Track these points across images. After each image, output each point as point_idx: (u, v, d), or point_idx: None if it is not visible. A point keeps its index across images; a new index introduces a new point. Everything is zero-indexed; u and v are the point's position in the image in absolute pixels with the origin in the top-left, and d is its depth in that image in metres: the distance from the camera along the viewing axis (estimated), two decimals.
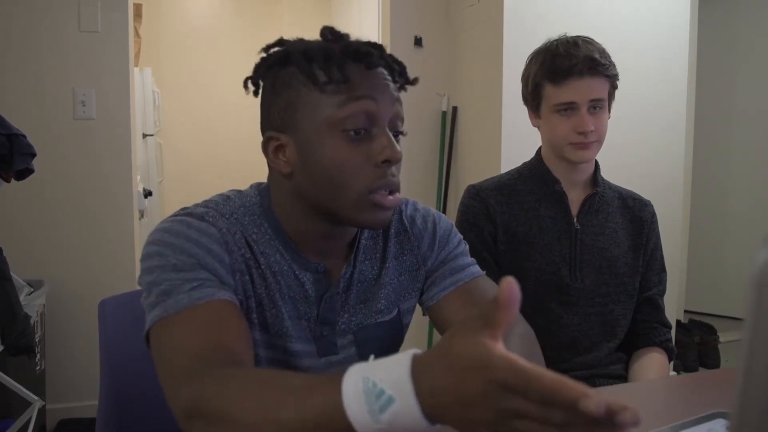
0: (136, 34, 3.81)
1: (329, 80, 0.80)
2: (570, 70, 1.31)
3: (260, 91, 0.89)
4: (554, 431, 0.47)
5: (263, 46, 0.89)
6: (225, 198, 0.89)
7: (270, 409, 0.59)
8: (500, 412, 0.49)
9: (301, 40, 0.87)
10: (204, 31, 5.07)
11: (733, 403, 0.34)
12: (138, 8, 3.92)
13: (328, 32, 0.86)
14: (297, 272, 0.89)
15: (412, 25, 2.94)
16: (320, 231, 0.88)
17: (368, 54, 0.82)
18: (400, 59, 0.88)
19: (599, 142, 1.37)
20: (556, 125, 1.37)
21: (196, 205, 0.87)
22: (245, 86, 0.89)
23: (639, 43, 2.68)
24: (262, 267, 0.86)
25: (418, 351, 0.54)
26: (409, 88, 0.89)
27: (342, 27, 0.88)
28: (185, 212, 0.85)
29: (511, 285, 0.49)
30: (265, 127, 0.88)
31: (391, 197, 0.83)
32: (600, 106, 1.35)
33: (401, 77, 0.87)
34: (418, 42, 2.95)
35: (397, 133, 0.85)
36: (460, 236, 1.03)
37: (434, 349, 0.52)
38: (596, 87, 1.33)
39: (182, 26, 5.02)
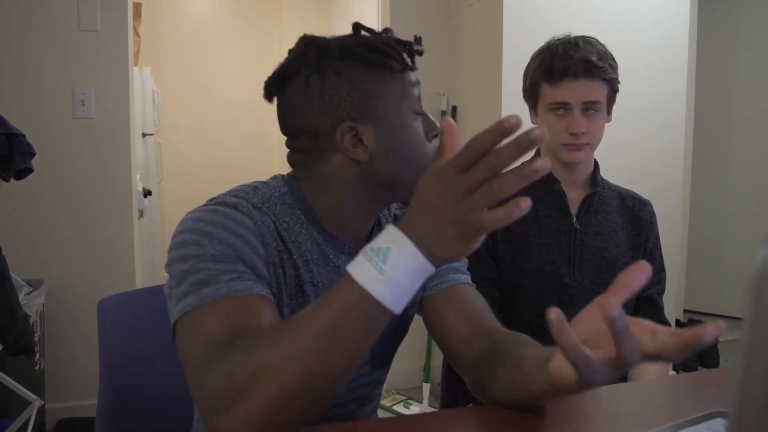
0: (136, 33, 3.81)
1: (404, 68, 0.89)
2: (565, 71, 1.32)
3: (302, 88, 0.88)
4: (498, 185, 0.57)
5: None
6: (253, 188, 0.90)
7: (298, 333, 0.65)
8: (457, 196, 0.59)
9: (335, 36, 0.91)
10: (203, 30, 5.06)
11: (732, 402, 0.34)
12: (137, 7, 3.91)
13: (361, 27, 0.93)
14: (331, 256, 0.91)
15: (411, 24, 2.94)
16: (359, 214, 0.93)
17: (412, 44, 0.92)
18: None
19: (591, 145, 1.37)
20: (550, 124, 1.37)
21: (226, 195, 0.87)
22: (307, 82, 0.88)
23: (639, 42, 2.68)
24: (294, 257, 0.87)
25: None
26: None
27: (341, 27, 0.90)
28: (217, 202, 0.85)
29: (447, 119, 0.67)
30: (327, 120, 0.87)
31: None
32: (595, 108, 1.34)
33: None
34: (417, 41, 2.94)
35: None
36: None
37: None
38: (591, 89, 1.33)
39: (182, 26, 5.02)
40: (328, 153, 0.89)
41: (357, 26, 0.92)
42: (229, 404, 0.64)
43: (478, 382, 0.90)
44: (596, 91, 1.34)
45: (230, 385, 0.64)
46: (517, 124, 0.57)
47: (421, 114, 0.92)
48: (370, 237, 0.97)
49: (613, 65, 1.36)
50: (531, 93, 1.40)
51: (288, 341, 0.65)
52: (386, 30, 0.93)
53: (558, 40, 1.38)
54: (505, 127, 0.56)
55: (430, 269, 0.62)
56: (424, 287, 1.01)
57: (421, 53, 0.93)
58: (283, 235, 0.87)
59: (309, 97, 0.87)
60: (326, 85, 0.87)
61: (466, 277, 1.03)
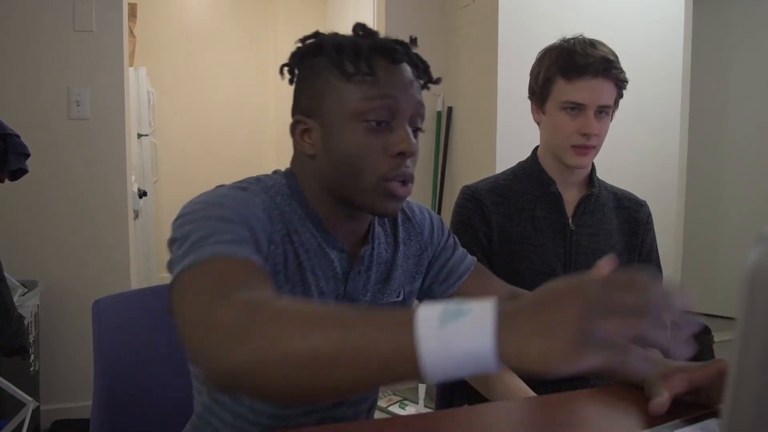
0: (131, 33, 3.80)
1: (356, 72, 0.85)
2: (586, 68, 1.30)
3: (295, 78, 0.94)
4: (636, 327, 0.49)
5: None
6: (256, 179, 0.92)
7: (324, 318, 0.58)
8: (588, 305, 0.49)
9: (335, 34, 0.91)
10: (199, 30, 5.05)
11: (726, 401, 0.34)
12: (133, 8, 3.91)
13: (360, 28, 0.90)
14: (327, 250, 0.92)
15: (407, 25, 2.94)
16: (343, 213, 0.93)
17: (393, 50, 0.86)
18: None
19: (597, 148, 1.37)
20: (560, 123, 1.35)
21: (232, 183, 0.90)
22: (281, 73, 0.94)
23: (634, 43, 2.69)
24: (295, 244, 0.89)
25: None
26: None
27: (337, 27, 0.90)
28: (224, 186, 0.88)
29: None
30: (294, 111, 0.93)
31: (403, 187, 0.88)
32: (606, 112, 1.34)
33: (425, 75, 0.92)
34: (413, 42, 2.95)
35: (416, 129, 0.90)
36: (447, 227, 1.12)
37: None
38: (606, 91, 1.32)
39: (177, 26, 5.01)
40: (295, 146, 0.93)
41: (356, 26, 0.92)
42: (236, 336, 0.60)
43: None
44: (610, 93, 1.33)
45: (243, 317, 0.60)
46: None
47: (381, 125, 0.86)
48: (365, 239, 0.98)
49: (622, 68, 1.36)
50: (543, 89, 1.37)
51: (312, 315, 0.59)
52: (370, 32, 0.90)
53: (572, 39, 1.36)
54: (680, 306, 0.50)
55: (489, 362, 0.52)
56: (434, 294, 1.07)
57: (402, 60, 0.87)
58: (286, 222, 0.89)
59: (294, 89, 0.94)
60: (298, 78, 0.93)
61: (470, 261, 1.10)
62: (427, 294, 1.08)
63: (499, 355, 0.51)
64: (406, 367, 0.53)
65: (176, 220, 0.80)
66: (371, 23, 3.10)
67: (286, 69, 0.94)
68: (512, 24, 2.52)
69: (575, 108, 1.32)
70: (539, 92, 1.39)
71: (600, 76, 1.31)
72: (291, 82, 0.94)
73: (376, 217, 1.00)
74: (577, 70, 1.31)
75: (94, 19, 2.46)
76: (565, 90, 1.33)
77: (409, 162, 0.88)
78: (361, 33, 0.90)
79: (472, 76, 2.80)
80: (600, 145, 1.37)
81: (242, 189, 0.86)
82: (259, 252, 0.79)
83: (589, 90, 1.31)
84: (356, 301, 0.96)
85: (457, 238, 1.12)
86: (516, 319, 0.51)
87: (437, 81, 0.93)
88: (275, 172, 0.96)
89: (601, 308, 0.49)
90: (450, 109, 2.95)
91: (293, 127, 0.92)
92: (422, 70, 0.91)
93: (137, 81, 3.88)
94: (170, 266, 0.76)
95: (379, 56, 0.86)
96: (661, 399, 0.83)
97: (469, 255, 1.11)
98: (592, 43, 1.34)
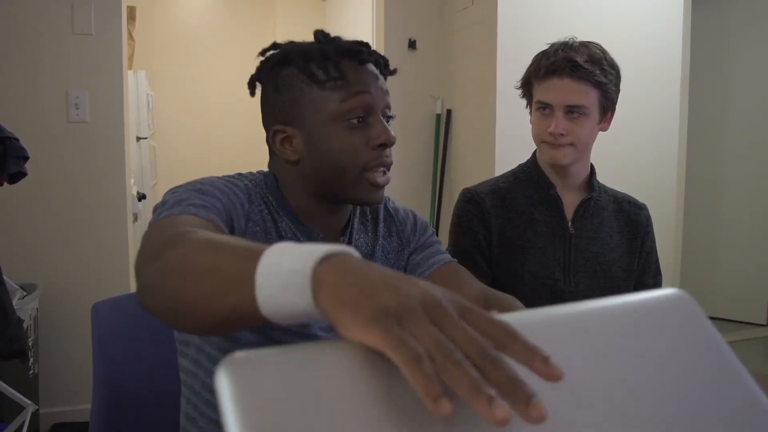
0: (130, 36, 3.80)
1: (328, 78, 0.91)
2: (549, 68, 1.33)
3: (261, 91, 0.99)
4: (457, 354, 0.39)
5: (259, 50, 0.98)
6: (238, 175, 0.98)
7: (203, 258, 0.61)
8: (408, 301, 0.41)
9: (294, 43, 0.97)
10: (198, 33, 5.06)
11: None
12: (132, 11, 3.91)
13: (321, 35, 0.96)
14: (302, 240, 0.97)
15: (406, 28, 2.94)
16: (323, 208, 0.99)
17: (359, 51, 0.93)
18: (391, 61, 1.00)
19: (575, 147, 1.35)
20: (534, 122, 1.40)
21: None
22: (250, 86, 0.99)
23: (633, 46, 2.69)
24: (272, 230, 0.95)
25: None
26: (403, 90, 1.00)
27: (336, 30, 0.96)
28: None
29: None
30: (269, 121, 0.98)
31: (384, 176, 0.95)
32: (580, 112, 1.33)
33: (386, 69, 0.99)
34: (412, 45, 2.95)
35: (387, 118, 0.97)
36: (433, 230, 1.15)
37: None
38: (575, 91, 1.32)
39: (176, 29, 5.01)
40: (273, 152, 0.98)
41: (317, 33, 0.97)
42: (154, 257, 0.67)
43: None
44: (581, 94, 1.32)
45: (165, 243, 0.67)
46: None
47: (360, 122, 0.92)
48: (345, 229, 1.03)
49: (606, 70, 1.34)
50: (525, 91, 1.43)
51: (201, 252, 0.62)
52: (334, 38, 0.95)
53: (559, 41, 1.38)
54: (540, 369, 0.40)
55: (305, 285, 0.46)
56: (415, 275, 1.06)
57: (369, 61, 0.93)
58: (269, 207, 0.96)
59: (262, 100, 0.98)
60: (269, 89, 0.96)
61: (449, 256, 1.09)
62: None
63: (317, 287, 0.46)
64: (244, 287, 0.51)
65: (162, 199, 0.87)
66: (370, 26, 3.10)
67: (248, 83, 0.99)
68: (511, 26, 2.52)
69: (546, 108, 1.36)
70: (524, 94, 1.44)
71: (566, 77, 1.32)
72: (252, 94, 0.99)
73: (358, 213, 1.05)
74: (543, 72, 1.35)
75: (93, 22, 2.46)
76: (538, 91, 1.37)
77: (388, 151, 0.95)
78: (322, 39, 0.95)
79: (470, 78, 2.80)
80: (578, 144, 1.35)
81: (227, 177, 0.94)
82: (227, 223, 0.85)
83: (554, 90, 1.33)
84: None
85: (441, 242, 1.12)
86: (331, 283, 0.45)
87: (394, 71, 0.99)
88: (254, 172, 1.02)
89: (420, 311, 0.41)
90: (449, 112, 2.95)
91: (272, 137, 0.96)
92: (383, 65, 0.98)
93: (136, 84, 3.88)
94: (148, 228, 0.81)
95: (346, 59, 0.92)
96: None
97: (446, 255, 1.08)
98: (571, 45, 1.34)
